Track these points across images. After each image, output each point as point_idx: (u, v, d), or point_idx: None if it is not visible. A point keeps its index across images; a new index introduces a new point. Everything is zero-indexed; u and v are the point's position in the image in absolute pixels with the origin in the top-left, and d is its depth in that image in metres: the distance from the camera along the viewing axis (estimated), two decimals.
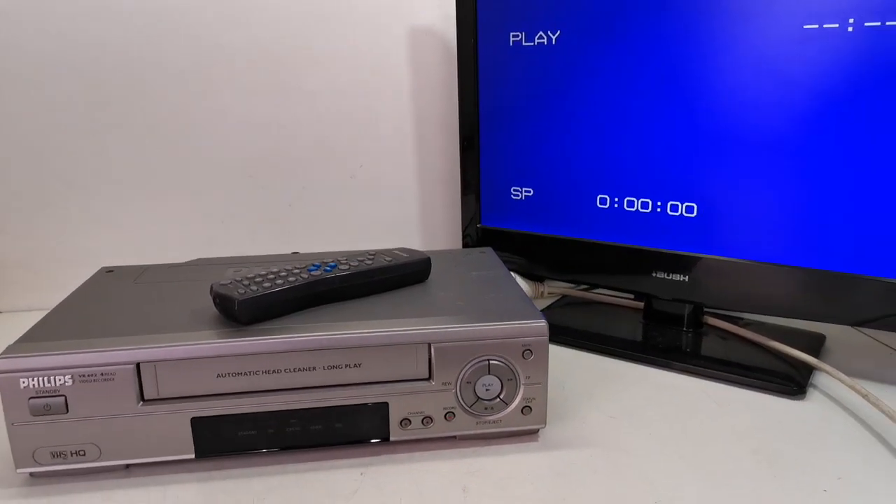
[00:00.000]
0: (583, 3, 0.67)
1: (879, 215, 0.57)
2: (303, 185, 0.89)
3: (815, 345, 0.70)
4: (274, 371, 0.50)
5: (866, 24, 0.54)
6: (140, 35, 0.81)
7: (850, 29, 0.54)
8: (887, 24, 0.53)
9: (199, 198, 0.87)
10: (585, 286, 0.86)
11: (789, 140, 0.60)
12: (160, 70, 0.82)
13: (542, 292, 0.84)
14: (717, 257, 0.66)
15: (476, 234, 0.81)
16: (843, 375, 0.59)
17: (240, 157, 0.86)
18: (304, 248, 0.91)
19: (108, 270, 0.66)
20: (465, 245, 0.83)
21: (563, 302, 0.84)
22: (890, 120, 0.55)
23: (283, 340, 0.49)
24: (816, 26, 0.56)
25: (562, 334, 0.73)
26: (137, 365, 0.48)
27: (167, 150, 0.84)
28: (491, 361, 0.52)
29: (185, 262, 0.68)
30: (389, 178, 0.91)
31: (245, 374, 0.50)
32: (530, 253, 0.78)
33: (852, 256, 0.59)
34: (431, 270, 0.64)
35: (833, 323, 0.61)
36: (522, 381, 0.52)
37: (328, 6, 0.84)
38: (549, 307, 0.82)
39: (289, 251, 0.90)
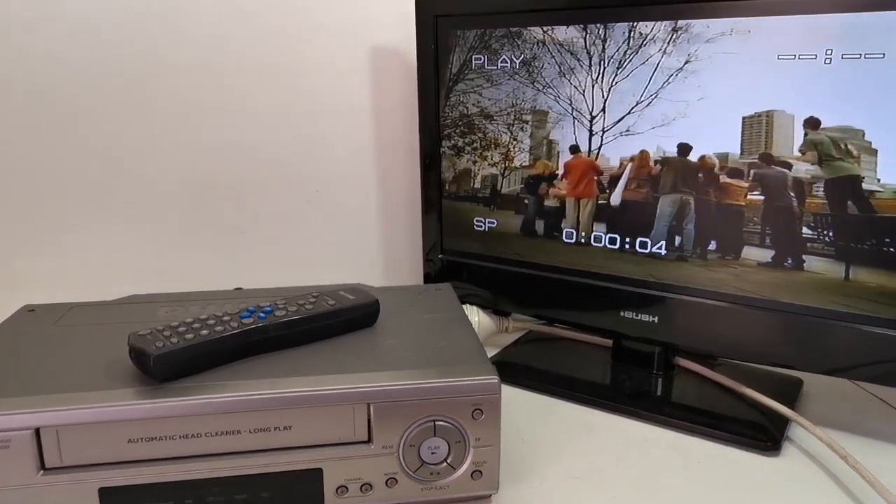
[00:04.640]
0: (545, 27, 0.63)
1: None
2: (256, 211, 0.84)
3: (791, 391, 0.66)
4: (193, 435, 0.45)
5: (844, 55, 0.50)
6: (74, 51, 0.75)
7: (827, 61, 0.51)
8: (866, 56, 0.49)
9: (143, 224, 0.81)
10: (546, 322, 0.81)
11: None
12: (96, 88, 0.76)
13: (507, 327, 0.79)
14: (686, 298, 0.62)
15: (438, 264, 0.77)
16: (820, 431, 0.55)
17: (188, 181, 0.81)
18: (256, 277, 0.85)
19: (30, 309, 0.61)
20: (425, 275, 0.79)
21: (529, 338, 0.79)
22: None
23: (202, 401, 0.44)
24: (793, 56, 0.52)
25: (525, 376, 0.69)
26: (37, 430, 0.43)
27: (107, 174, 0.79)
28: (437, 422, 0.47)
29: (116, 300, 0.63)
30: (348, 204, 0.86)
31: (160, 438, 0.44)
32: (494, 286, 0.74)
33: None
34: (381, 311, 0.59)
35: (807, 371, 0.57)
36: (472, 444, 0.48)
37: (282, 23, 0.79)
38: (513, 343, 0.78)
39: (240, 280, 0.85)
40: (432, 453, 0.47)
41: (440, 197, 0.75)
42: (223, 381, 0.46)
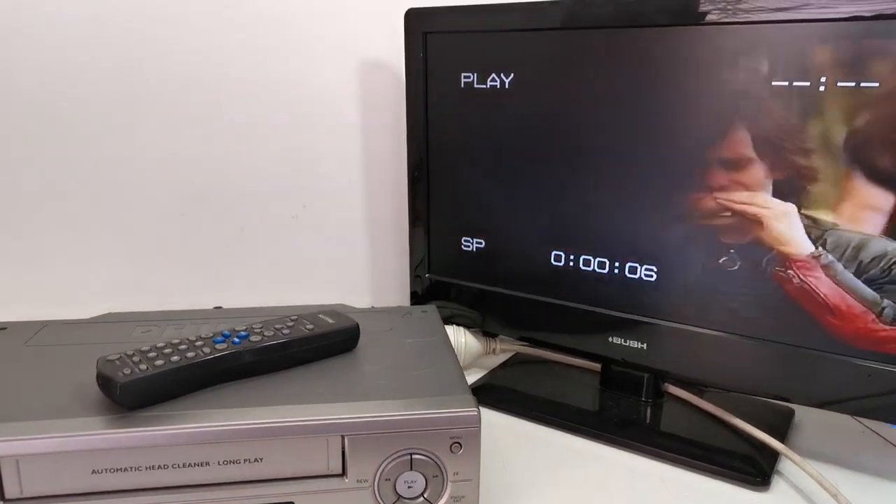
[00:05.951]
0: (536, 47, 0.62)
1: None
2: (241, 225, 0.82)
3: (783, 421, 0.64)
4: (159, 466, 0.43)
5: (839, 83, 0.49)
6: (56, 60, 0.74)
7: (821, 88, 0.49)
8: (862, 84, 0.48)
9: (124, 238, 0.80)
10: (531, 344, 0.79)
11: None
12: (78, 99, 0.75)
13: (494, 349, 0.77)
14: (676, 325, 0.60)
15: (425, 283, 0.75)
16: (810, 467, 0.53)
17: (171, 194, 0.80)
18: (240, 293, 0.84)
19: (2, 328, 0.59)
20: (412, 293, 0.77)
21: (516, 360, 0.78)
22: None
23: (169, 432, 0.43)
24: (786, 84, 0.51)
25: (510, 401, 0.67)
26: None
27: (87, 185, 0.77)
28: (414, 455, 0.45)
29: (91, 319, 0.61)
30: (336, 219, 0.85)
31: (125, 469, 0.43)
32: (481, 307, 0.72)
33: (820, 334, 0.54)
34: (362, 335, 0.57)
35: (800, 404, 0.56)
36: (450, 478, 0.46)
37: (270, 35, 0.78)
38: (500, 366, 0.76)
39: (224, 296, 0.83)
40: (409, 487, 0.46)
41: (428, 212, 0.73)
42: (193, 409, 0.45)
